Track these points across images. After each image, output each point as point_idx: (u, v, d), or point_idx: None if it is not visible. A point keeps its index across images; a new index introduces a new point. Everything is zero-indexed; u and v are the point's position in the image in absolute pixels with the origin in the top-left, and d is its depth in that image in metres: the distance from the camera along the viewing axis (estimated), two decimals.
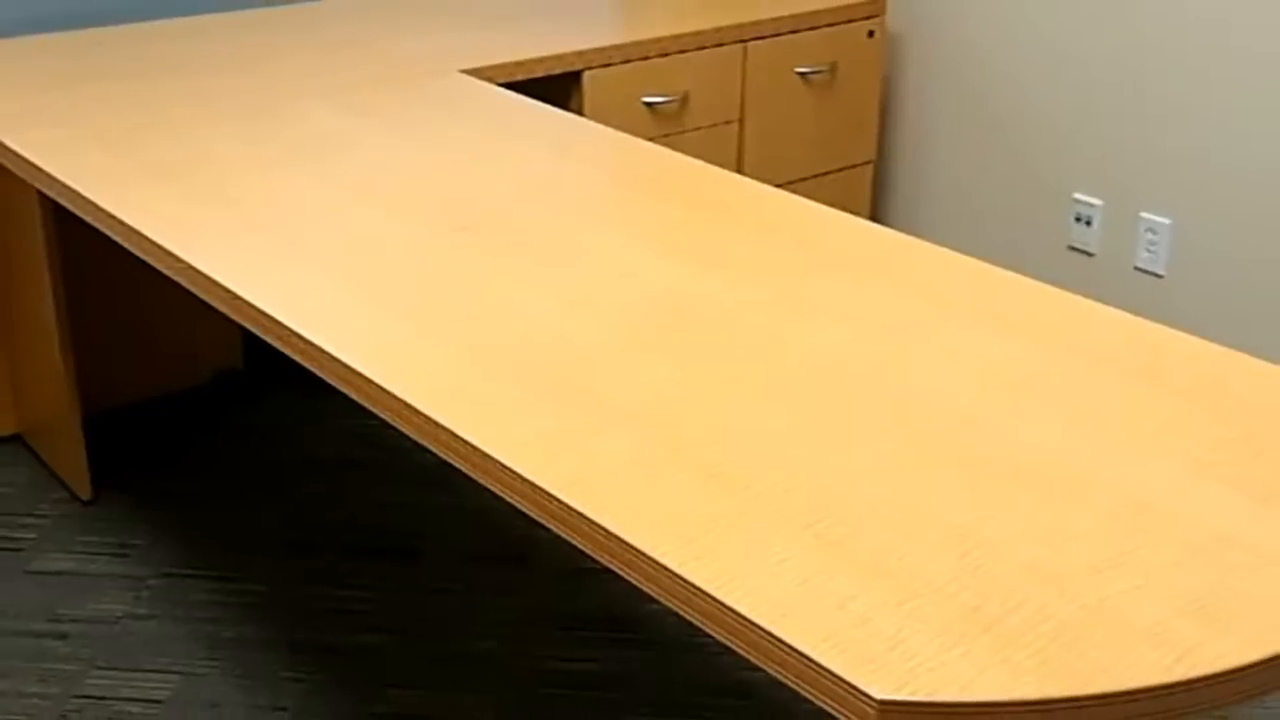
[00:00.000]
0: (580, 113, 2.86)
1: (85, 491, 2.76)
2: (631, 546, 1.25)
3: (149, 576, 2.55)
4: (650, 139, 2.93)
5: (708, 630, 1.20)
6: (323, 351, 1.60)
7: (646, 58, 2.92)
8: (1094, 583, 1.20)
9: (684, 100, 3.02)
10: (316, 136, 2.26)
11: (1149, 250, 3.11)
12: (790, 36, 3.15)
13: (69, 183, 2.05)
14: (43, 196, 2.52)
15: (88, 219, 2.03)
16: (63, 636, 2.39)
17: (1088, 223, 3.21)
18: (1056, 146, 3.24)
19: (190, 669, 2.32)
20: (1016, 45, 3.25)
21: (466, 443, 1.41)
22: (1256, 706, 2.28)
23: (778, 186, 2.10)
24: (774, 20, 3.11)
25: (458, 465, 1.44)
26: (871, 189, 3.49)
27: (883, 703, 1.07)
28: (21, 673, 2.30)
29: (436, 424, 1.45)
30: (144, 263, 1.93)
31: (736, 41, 3.06)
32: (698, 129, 3.07)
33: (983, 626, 1.14)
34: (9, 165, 2.23)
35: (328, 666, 2.33)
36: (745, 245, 1.86)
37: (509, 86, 2.73)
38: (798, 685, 1.13)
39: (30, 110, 2.36)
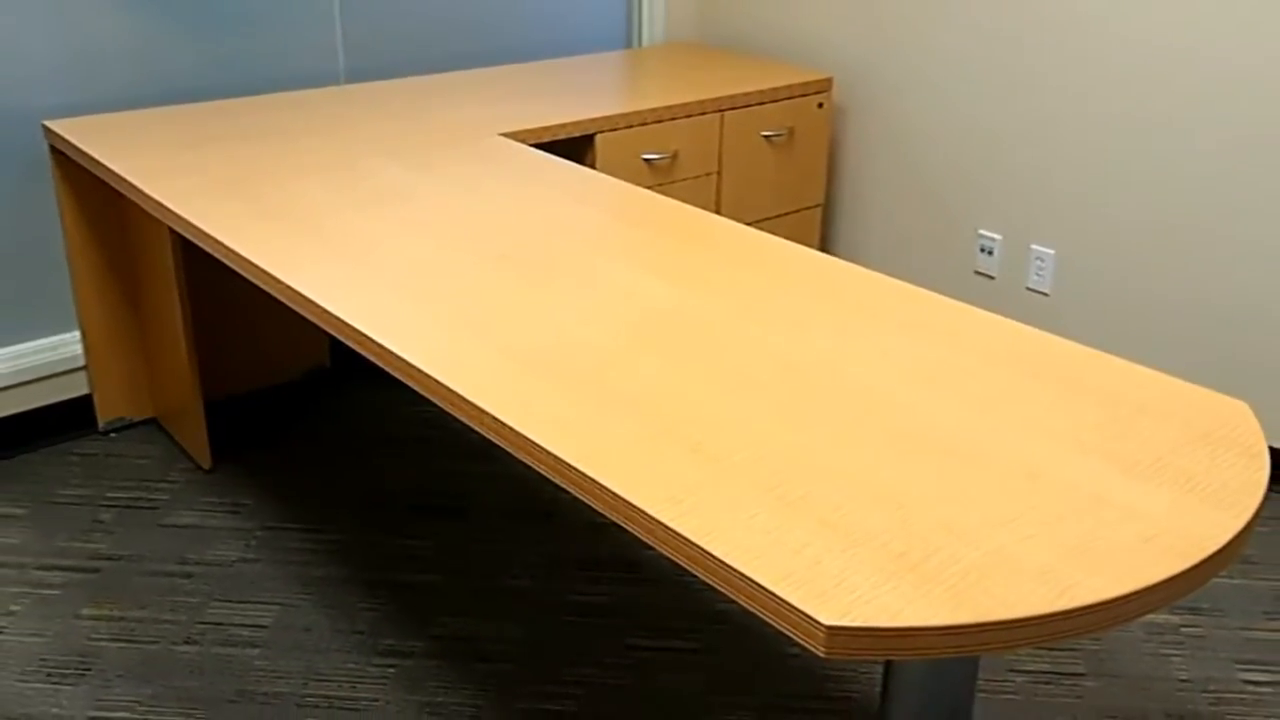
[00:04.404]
0: (593, 166, 2.86)
1: (206, 462, 2.75)
2: (633, 505, 1.25)
3: (256, 529, 2.55)
4: (648, 187, 2.92)
5: (693, 571, 1.20)
6: (391, 353, 1.59)
7: (645, 123, 2.92)
8: (994, 534, 1.20)
9: (675, 157, 3.01)
10: (385, 186, 2.26)
11: (1038, 274, 3.10)
12: (757, 107, 3.15)
13: (195, 222, 2.05)
14: (173, 232, 2.52)
15: (208, 249, 2.02)
16: (188, 576, 2.39)
17: (990, 252, 3.20)
18: (965, 193, 3.23)
19: (288, 601, 2.32)
20: (934, 114, 3.25)
21: (504, 424, 1.41)
22: (1121, 630, 2.28)
23: (747, 224, 2.10)
24: (745, 94, 3.10)
25: (497, 442, 1.44)
26: (820, 226, 3.49)
27: (830, 628, 1.07)
28: (157, 604, 2.30)
29: (481, 409, 1.44)
30: (251, 283, 1.93)
31: (715, 111, 3.06)
32: (685, 179, 3.06)
33: (908, 568, 1.14)
34: (148, 208, 2.23)
35: (395, 599, 2.33)
36: (722, 270, 1.86)
37: (538, 146, 2.73)
38: (763, 614, 1.13)
39: (164, 166, 2.36)
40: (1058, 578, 1.13)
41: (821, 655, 1.08)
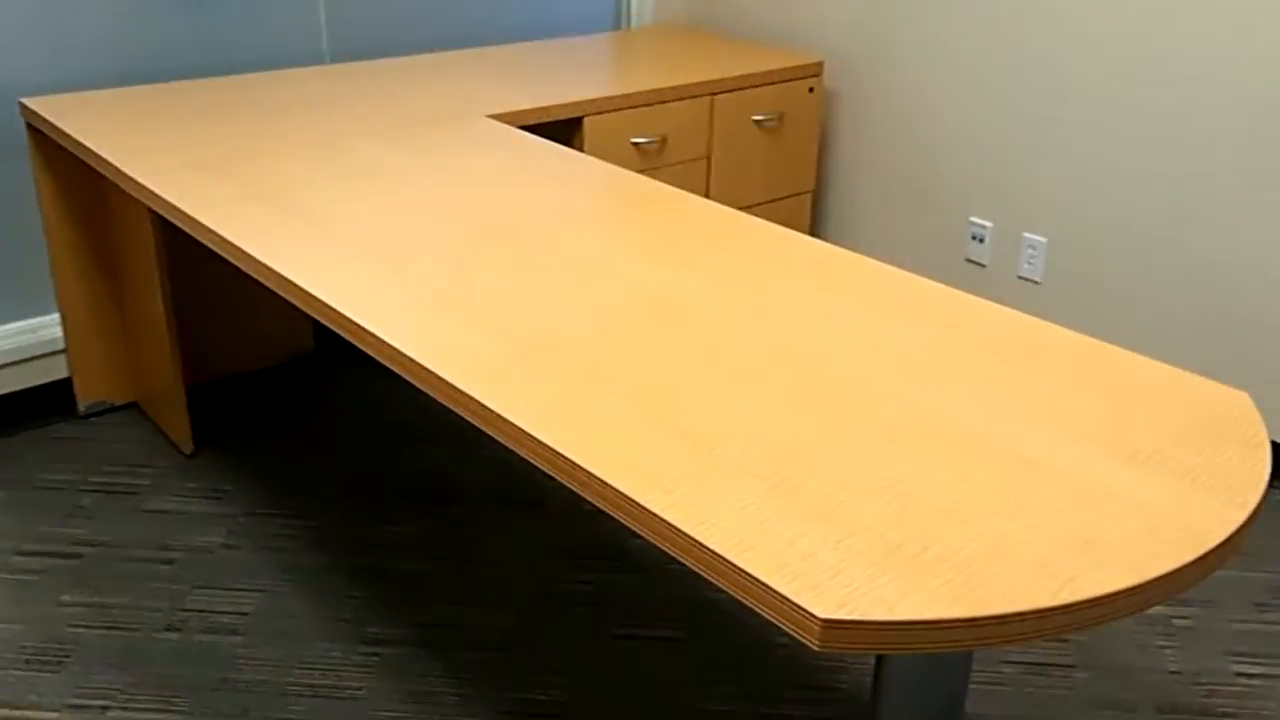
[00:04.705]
0: (581, 149, 2.82)
1: (188, 448, 2.72)
2: (621, 494, 1.22)
3: (238, 515, 2.51)
4: (637, 171, 2.89)
5: (684, 561, 1.17)
6: (376, 337, 1.56)
7: (634, 106, 2.89)
8: (993, 525, 1.17)
9: (664, 141, 2.98)
10: (372, 166, 2.22)
11: (1029, 262, 3.08)
12: (748, 91, 3.11)
13: (175, 202, 2.01)
14: (153, 212, 2.48)
15: (188, 230, 1.99)
16: (170, 562, 2.36)
17: (981, 240, 3.18)
18: (957, 180, 3.21)
19: (271, 588, 2.29)
20: (925, 100, 3.22)
21: (490, 410, 1.38)
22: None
23: (738, 209, 2.07)
24: (735, 78, 3.07)
25: (484, 428, 1.40)
26: (811, 211, 3.46)
27: (825, 621, 1.04)
28: (139, 590, 2.27)
29: (467, 395, 1.41)
30: (234, 265, 1.89)
31: (705, 95, 3.02)
32: (675, 164, 3.03)
33: (905, 560, 1.11)
34: (126, 188, 2.18)
35: (380, 586, 2.30)
36: (712, 254, 1.83)
37: (525, 129, 2.69)
38: (756, 606, 1.10)
39: (143, 145, 2.31)
40: (1059, 570, 1.10)
41: (816, 648, 1.05)
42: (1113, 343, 2.95)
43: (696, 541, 1.14)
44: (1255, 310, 2.68)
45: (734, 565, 1.11)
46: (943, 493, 1.22)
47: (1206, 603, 2.32)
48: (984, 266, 3.19)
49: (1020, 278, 3.11)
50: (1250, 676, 2.12)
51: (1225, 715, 2.02)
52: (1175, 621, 2.26)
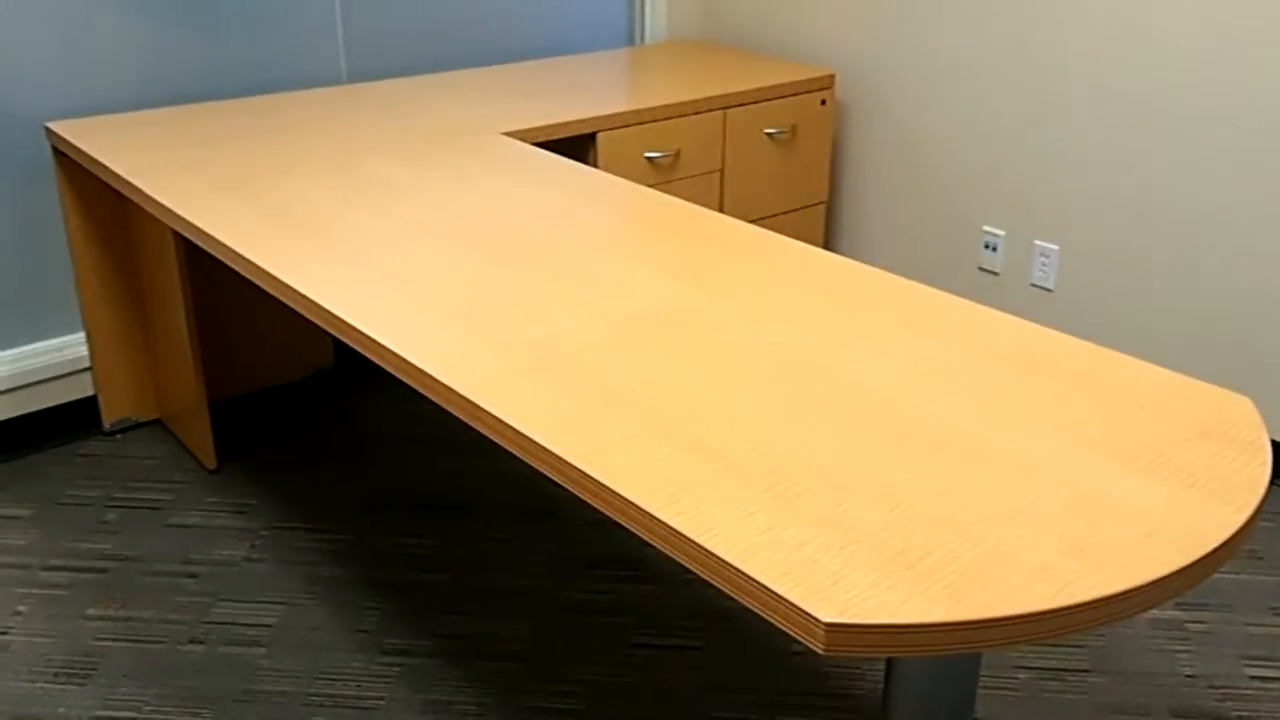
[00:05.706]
0: (595, 165, 2.86)
1: (211, 463, 2.76)
2: (632, 503, 1.25)
3: (261, 529, 2.55)
4: (650, 185, 2.92)
5: (692, 568, 1.20)
6: (392, 352, 1.60)
7: (648, 121, 2.92)
8: (993, 530, 1.20)
9: (677, 155, 3.01)
10: (387, 184, 2.26)
11: (1041, 270, 3.10)
12: (760, 104, 3.15)
13: (196, 222, 2.06)
14: (176, 232, 2.53)
15: (210, 250, 2.03)
16: (193, 576, 2.40)
17: (994, 249, 3.20)
18: (970, 189, 3.23)
19: (293, 601, 2.32)
20: (937, 111, 3.24)
21: (504, 423, 1.41)
22: (1127, 626, 2.28)
23: (750, 222, 2.10)
24: (747, 92, 3.11)
25: (498, 441, 1.44)
26: (824, 223, 3.49)
27: (829, 625, 1.07)
28: (162, 604, 2.31)
29: (481, 408, 1.45)
30: (254, 283, 1.93)
31: (718, 109, 3.06)
32: (688, 177, 3.06)
33: (906, 565, 1.14)
34: (149, 209, 2.23)
35: (399, 598, 2.34)
36: (724, 267, 1.86)
37: (540, 145, 2.73)
38: (762, 611, 1.13)
39: (166, 165, 2.36)
40: (1057, 574, 1.13)
41: (821, 652, 1.08)
42: (1126, 349, 2.97)
43: (703, 549, 1.18)
44: (1272, 315, 2.69)
45: (740, 571, 1.14)
46: (943, 499, 1.25)
47: (1221, 606, 2.33)
48: (997, 275, 3.21)
49: (1033, 285, 3.13)
50: (1265, 680, 2.13)
51: (1239, 719, 2.03)
52: (1190, 625, 2.27)
